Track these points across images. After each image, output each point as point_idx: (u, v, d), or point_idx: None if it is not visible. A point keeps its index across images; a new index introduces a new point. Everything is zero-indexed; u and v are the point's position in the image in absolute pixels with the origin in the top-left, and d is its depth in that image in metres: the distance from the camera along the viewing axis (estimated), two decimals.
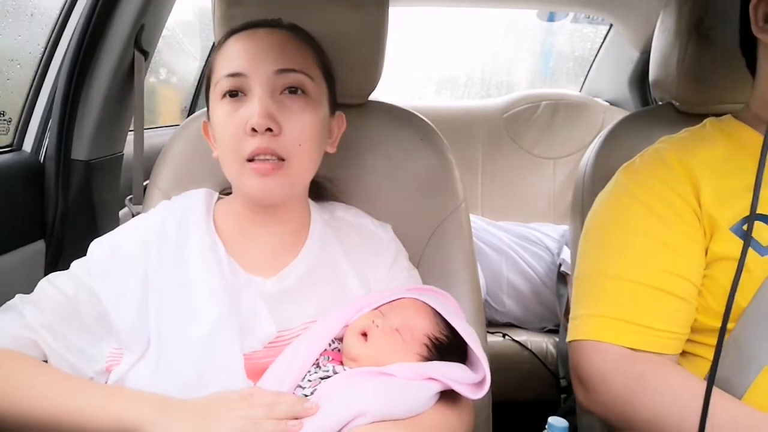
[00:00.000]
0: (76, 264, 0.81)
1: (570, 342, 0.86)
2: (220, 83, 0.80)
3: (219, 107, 0.80)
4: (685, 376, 0.76)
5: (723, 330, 0.66)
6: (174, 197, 0.90)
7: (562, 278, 1.69)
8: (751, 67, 0.90)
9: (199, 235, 0.82)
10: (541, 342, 1.67)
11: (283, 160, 0.78)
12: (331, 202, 0.97)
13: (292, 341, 0.79)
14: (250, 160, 0.77)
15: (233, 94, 0.79)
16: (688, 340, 0.82)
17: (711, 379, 0.66)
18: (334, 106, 0.90)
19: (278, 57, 0.80)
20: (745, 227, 0.78)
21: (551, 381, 1.62)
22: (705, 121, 0.93)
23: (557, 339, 1.68)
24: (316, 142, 0.83)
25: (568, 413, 1.05)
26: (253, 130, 0.76)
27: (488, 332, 1.58)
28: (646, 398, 0.76)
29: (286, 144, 0.78)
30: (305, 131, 0.80)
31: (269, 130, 0.76)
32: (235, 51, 0.82)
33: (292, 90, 0.80)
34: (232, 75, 0.79)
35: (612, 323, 0.81)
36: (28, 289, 0.81)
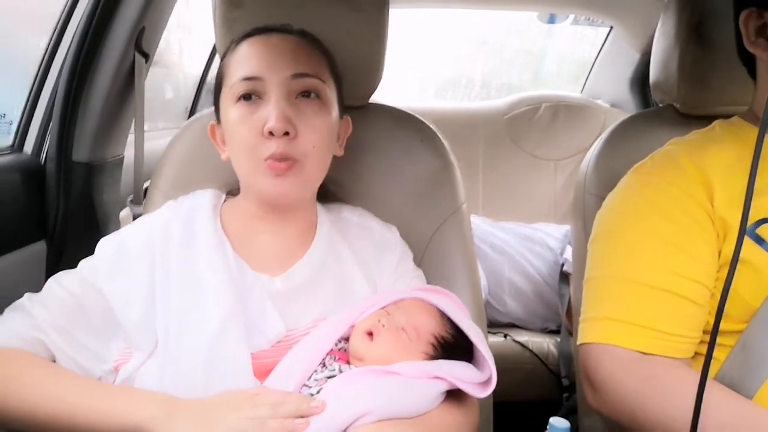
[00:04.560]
0: (83, 263, 0.82)
1: (580, 345, 0.85)
2: (234, 86, 0.81)
3: (233, 110, 0.81)
4: (695, 378, 0.74)
5: (716, 327, 0.66)
6: (180, 197, 0.90)
7: (565, 278, 1.69)
8: (753, 73, 0.89)
9: (206, 235, 0.82)
10: (542, 342, 1.67)
11: (297, 160, 0.79)
12: (336, 203, 0.97)
13: (299, 340, 0.79)
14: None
15: (248, 97, 0.80)
16: (700, 342, 0.82)
17: (704, 376, 0.66)
18: (342, 109, 0.90)
19: (293, 62, 0.81)
20: (757, 231, 0.77)
21: (553, 381, 1.62)
22: (714, 123, 0.92)
23: (559, 339, 1.67)
24: (328, 145, 0.85)
25: (570, 413, 1.05)
26: (270, 133, 0.77)
27: (489, 332, 1.58)
28: (656, 400, 0.75)
29: (301, 147, 0.79)
30: (319, 134, 0.81)
31: (286, 133, 0.77)
32: (250, 55, 0.82)
33: (306, 94, 0.81)
34: (249, 78, 0.80)
35: (623, 327, 0.80)
36: (29, 289, 0.81)
